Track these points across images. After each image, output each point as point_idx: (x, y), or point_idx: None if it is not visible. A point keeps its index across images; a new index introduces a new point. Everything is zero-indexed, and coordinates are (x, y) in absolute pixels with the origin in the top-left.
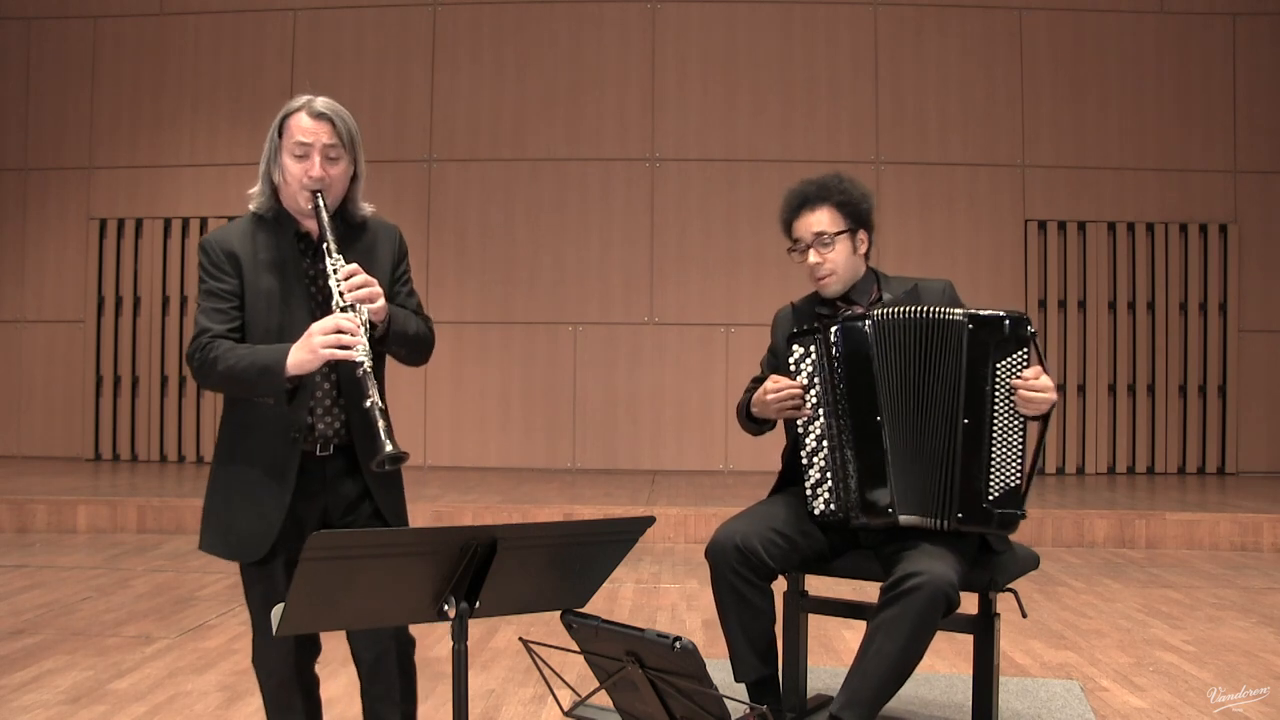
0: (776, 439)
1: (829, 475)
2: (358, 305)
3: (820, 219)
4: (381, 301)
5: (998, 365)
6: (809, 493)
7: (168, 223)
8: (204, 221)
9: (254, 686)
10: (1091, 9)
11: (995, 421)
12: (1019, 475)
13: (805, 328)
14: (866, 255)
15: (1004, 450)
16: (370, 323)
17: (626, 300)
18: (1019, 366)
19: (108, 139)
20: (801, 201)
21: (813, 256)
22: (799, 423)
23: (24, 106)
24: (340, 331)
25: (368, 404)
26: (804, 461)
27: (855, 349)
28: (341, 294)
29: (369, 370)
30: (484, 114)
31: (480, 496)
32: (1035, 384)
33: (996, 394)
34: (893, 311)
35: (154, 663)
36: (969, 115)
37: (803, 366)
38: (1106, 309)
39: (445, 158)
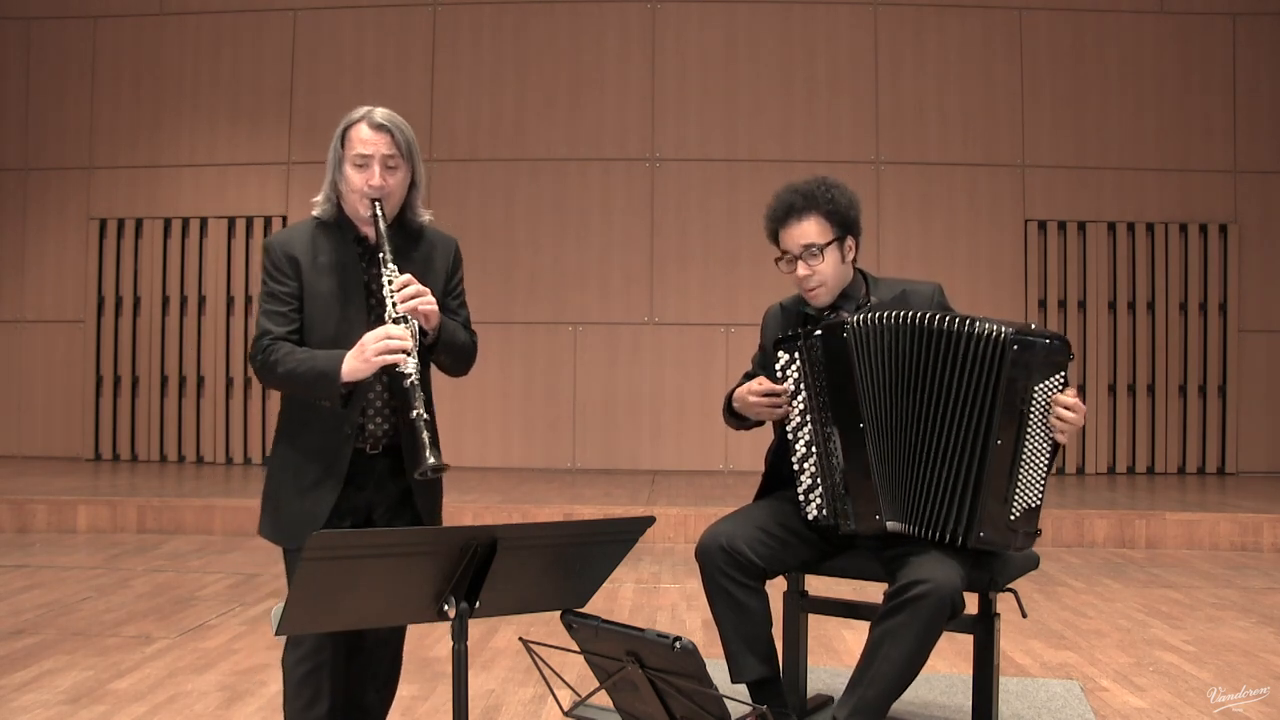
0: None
1: (819, 481)
2: (409, 317)
3: (808, 230)
4: (434, 308)
5: (1035, 389)
6: (802, 499)
7: (168, 223)
8: (204, 221)
9: (254, 686)
10: (1091, 9)
11: (1027, 443)
12: (1039, 496)
13: (790, 334)
14: (854, 260)
15: (1031, 471)
16: (421, 330)
17: (626, 300)
18: (1056, 390)
19: (108, 139)
20: (788, 211)
21: (801, 269)
22: (788, 429)
23: (24, 106)
24: (390, 339)
25: (413, 415)
26: (795, 468)
27: (837, 356)
28: (395, 304)
29: (416, 383)
30: (484, 114)
31: (480, 496)
32: (1076, 405)
33: (1031, 417)
34: (879, 317)
35: (154, 663)
36: (969, 115)
37: (789, 373)
38: (1106, 309)
39: (445, 158)
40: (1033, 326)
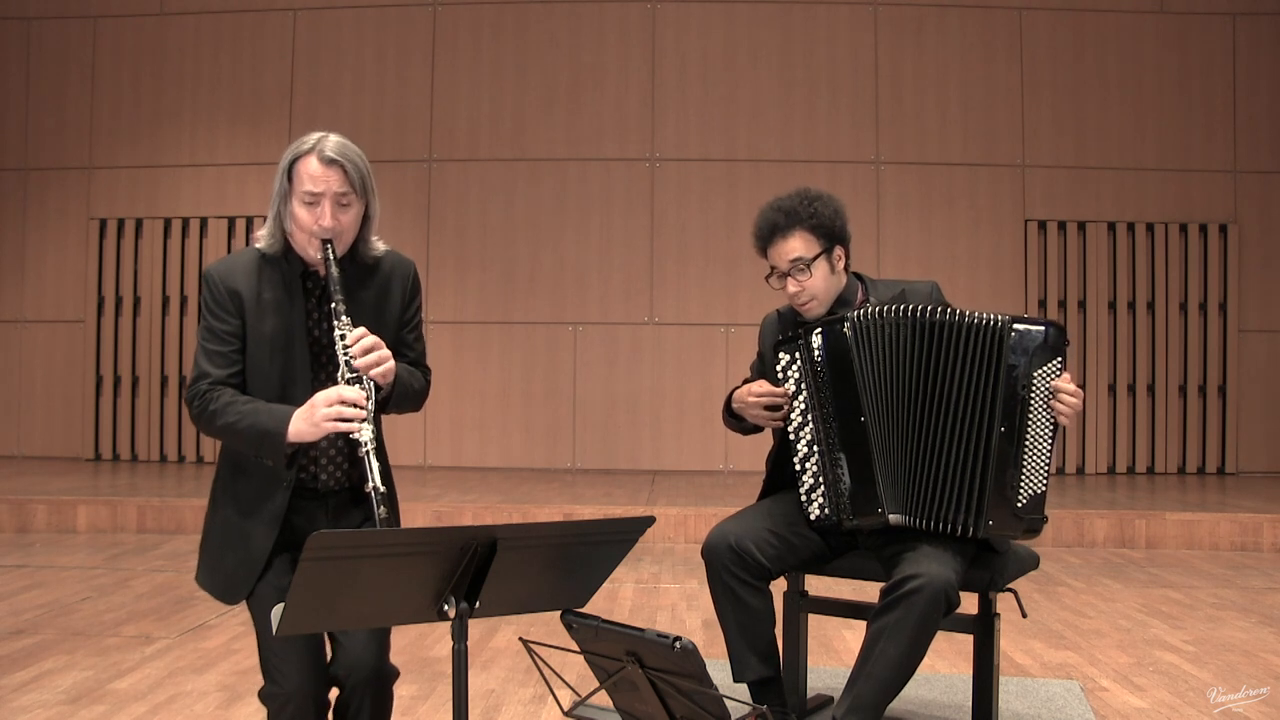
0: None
1: (821, 480)
2: (364, 377)
3: (794, 245)
4: (390, 365)
5: (1035, 374)
6: (804, 499)
7: (168, 223)
8: (204, 221)
9: (254, 686)
10: (1091, 9)
11: (1030, 429)
12: (1045, 482)
13: (790, 334)
14: (846, 266)
15: (1035, 458)
16: (375, 385)
17: (626, 300)
18: (1054, 375)
19: (108, 139)
20: (772, 229)
21: (791, 285)
22: (789, 430)
23: (24, 106)
24: (344, 404)
25: (368, 488)
26: (797, 468)
27: (837, 351)
28: (349, 363)
29: (371, 451)
30: (484, 114)
31: (480, 496)
32: (1075, 390)
33: (1033, 401)
34: (879, 311)
35: (154, 663)
36: (969, 115)
37: (789, 373)
38: (1106, 309)
39: (445, 158)
40: (1026, 315)
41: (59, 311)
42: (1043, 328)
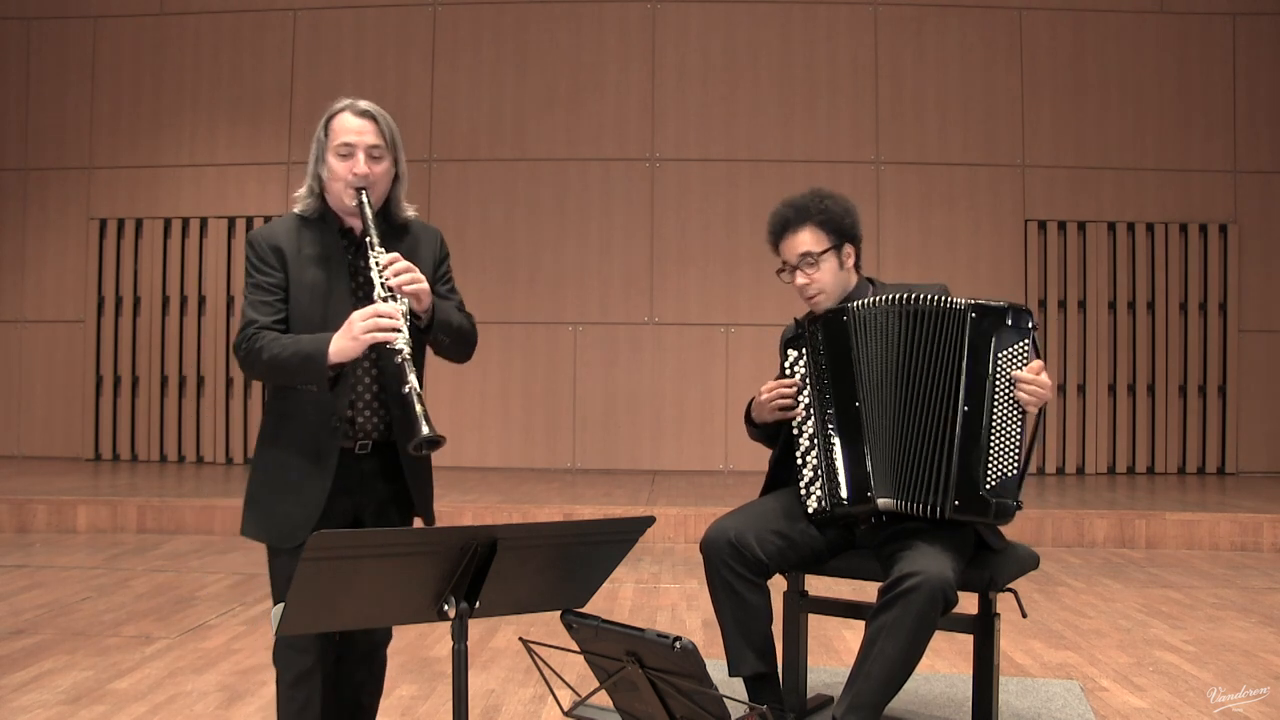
0: None
1: (820, 473)
2: (399, 296)
3: (804, 240)
4: (425, 286)
5: (999, 355)
6: (803, 492)
7: (168, 223)
8: (204, 221)
9: (254, 686)
10: (1091, 9)
11: (995, 410)
12: (1016, 465)
13: (797, 332)
14: (857, 266)
15: (1002, 439)
16: (414, 312)
17: (626, 300)
18: (1020, 357)
19: (108, 139)
20: (783, 225)
21: (800, 278)
22: (793, 425)
23: (24, 106)
24: (380, 316)
25: (405, 389)
26: (798, 462)
27: (836, 340)
28: (383, 283)
29: (408, 358)
30: (484, 114)
31: (480, 496)
32: (1037, 379)
33: (997, 383)
34: (874, 301)
35: (154, 663)
36: (969, 115)
37: (797, 369)
38: (1106, 309)
39: (445, 158)
40: (1004, 301)
41: (59, 311)
42: (1005, 307)
